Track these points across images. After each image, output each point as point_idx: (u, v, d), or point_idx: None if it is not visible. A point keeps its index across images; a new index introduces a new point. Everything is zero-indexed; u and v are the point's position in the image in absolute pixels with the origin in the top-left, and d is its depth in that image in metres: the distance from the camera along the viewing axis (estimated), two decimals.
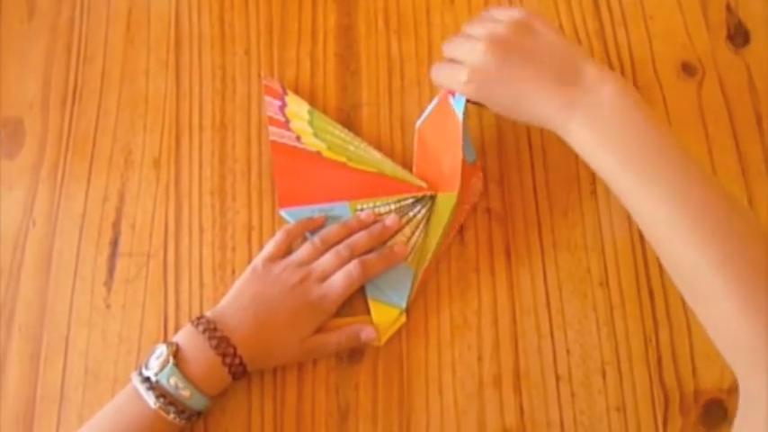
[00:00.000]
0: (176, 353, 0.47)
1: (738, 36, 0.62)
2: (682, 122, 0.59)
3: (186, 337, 0.48)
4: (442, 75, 0.51)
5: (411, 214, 0.55)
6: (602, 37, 0.62)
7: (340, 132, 0.59)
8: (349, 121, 0.60)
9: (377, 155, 0.58)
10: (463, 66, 0.48)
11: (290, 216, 0.55)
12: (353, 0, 0.64)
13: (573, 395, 0.52)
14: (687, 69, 0.61)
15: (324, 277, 0.52)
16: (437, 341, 0.54)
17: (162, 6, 0.65)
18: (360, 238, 0.54)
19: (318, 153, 0.57)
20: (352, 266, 0.52)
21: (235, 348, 0.47)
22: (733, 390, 0.52)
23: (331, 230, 0.54)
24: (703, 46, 0.62)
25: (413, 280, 0.53)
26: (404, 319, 0.53)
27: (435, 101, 0.56)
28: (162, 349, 0.47)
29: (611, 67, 0.61)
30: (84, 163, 0.60)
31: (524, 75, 0.47)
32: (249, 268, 0.53)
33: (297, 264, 0.52)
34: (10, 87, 0.63)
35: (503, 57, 0.47)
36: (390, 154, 0.59)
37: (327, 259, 0.52)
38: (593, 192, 0.57)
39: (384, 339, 0.53)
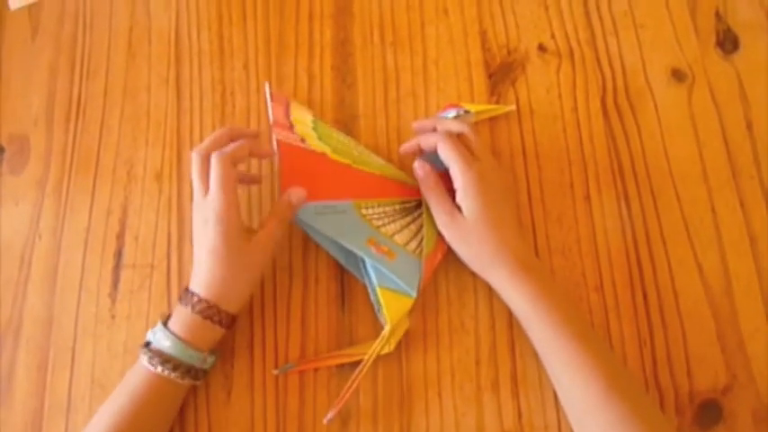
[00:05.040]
0: (167, 319, 0.51)
1: (728, 42, 0.63)
2: (672, 128, 0.60)
3: (177, 308, 0.51)
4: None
5: (416, 214, 0.57)
6: (593, 45, 0.64)
7: (343, 139, 0.59)
8: (347, 133, 0.61)
9: (380, 160, 0.59)
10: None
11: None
12: (349, 14, 0.66)
13: None
14: (677, 76, 0.62)
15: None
16: (435, 346, 0.54)
17: (162, 23, 0.66)
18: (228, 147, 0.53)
19: (324, 154, 0.57)
20: (215, 162, 0.50)
21: (207, 301, 0.49)
22: (728, 390, 0.53)
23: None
24: (693, 53, 0.63)
25: (421, 270, 0.54)
26: (408, 323, 0.54)
27: (444, 114, 0.59)
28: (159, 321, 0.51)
29: (602, 75, 0.62)
30: (88, 177, 0.61)
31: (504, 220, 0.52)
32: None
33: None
34: (15, 104, 0.64)
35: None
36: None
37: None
38: (587, 197, 0.58)
39: (393, 345, 0.53)
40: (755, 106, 0.61)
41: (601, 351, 0.48)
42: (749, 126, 0.60)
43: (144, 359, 0.49)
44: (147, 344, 0.50)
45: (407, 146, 0.57)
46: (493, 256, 0.51)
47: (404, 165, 0.60)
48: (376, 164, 0.58)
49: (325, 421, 0.51)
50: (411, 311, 0.53)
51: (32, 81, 0.65)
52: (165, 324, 0.50)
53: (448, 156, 0.53)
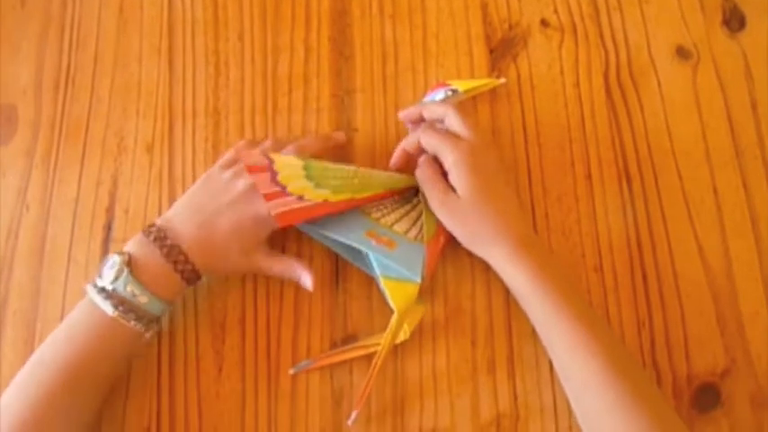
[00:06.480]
0: (129, 261, 0.47)
1: (734, 20, 0.62)
2: (676, 106, 0.59)
3: (138, 246, 0.48)
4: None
5: (414, 201, 0.55)
6: (597, 21, 0.62)
7: (341, 173, 0.53)
8: (343, 107, 0.60)
9: (382, 174, 0.55)
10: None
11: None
12: None
13: None
14: (682, 53, 0.61)
15: None
16: (431, 326, 0.54)
17: None
18: (307, 142, 0.54)
19: (325, 201, 0.52)
20: None
21: (186, 256, 0.48)
22: (726, 374, 0.52)
23: (282, 138, 0.54)
24: (698, 30, 0.62)
25: (423, 255, 0.52)
26: (423, 309, 0.53)
27: (431, 94, 0.58)
28: (115, 259, 0.47)
29: (605, 51, 0.61)
30: (78, 148, 0.60)
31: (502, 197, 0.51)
32: (204, 175, 0.52)
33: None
34: (3, 72, 0.63)
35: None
36: (384, 138, 0.59)
37: None
38: (588, 176, 0.57)
39: (409, 332, 0.52)
40: (761, 86, 0.60)
41: (600, 329, 0.47)
42: (754, 106, 0.59)
43: (107, 307, 0.46)
44: (104, 289, 0.46)
45: (394, 161, 0.56)
46: (492, 233, 0.50)
47: (398, 142, 0.58)
48: (378, 182, 0.54)
49: (349, 423, 0.50)
50: (421, 296, 0.52)
51: (21, 49, 0.64)
52: (130, 271, 0.46)
53: (431, 144, 0.52)
